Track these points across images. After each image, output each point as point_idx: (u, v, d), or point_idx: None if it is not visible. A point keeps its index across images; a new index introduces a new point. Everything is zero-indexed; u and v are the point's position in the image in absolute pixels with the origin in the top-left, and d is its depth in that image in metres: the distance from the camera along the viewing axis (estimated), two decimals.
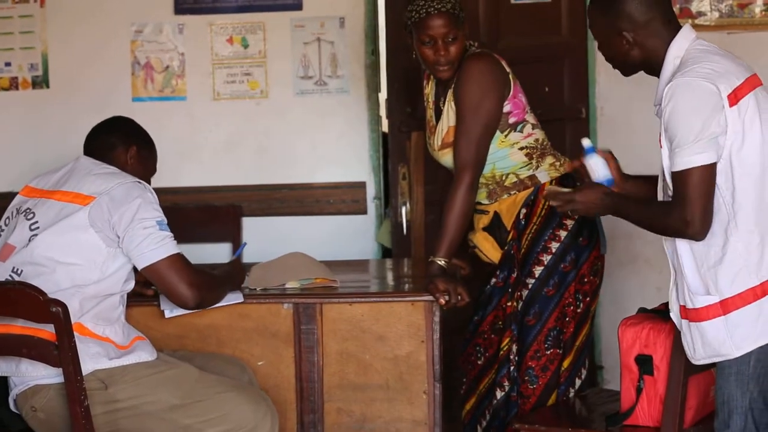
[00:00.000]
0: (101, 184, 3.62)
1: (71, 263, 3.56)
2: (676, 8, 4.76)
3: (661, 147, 3.25)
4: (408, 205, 5.59)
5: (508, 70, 4.02)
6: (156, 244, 3.58)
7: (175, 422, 3.58)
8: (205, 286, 3.69)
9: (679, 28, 3.33)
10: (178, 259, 3.62)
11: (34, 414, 3.58)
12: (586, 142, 3.64)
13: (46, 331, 3.40)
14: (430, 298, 3.85)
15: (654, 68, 3.34)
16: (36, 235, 3.60)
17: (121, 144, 3.82)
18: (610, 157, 3.61)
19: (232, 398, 3.63)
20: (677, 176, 3.19)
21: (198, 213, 5.78)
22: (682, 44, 3.29)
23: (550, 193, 3.65)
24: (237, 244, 5.68)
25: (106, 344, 3.58)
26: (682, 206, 3.16)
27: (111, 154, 3.80)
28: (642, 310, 3.70)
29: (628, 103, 5.26)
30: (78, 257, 3.56)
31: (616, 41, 3.35)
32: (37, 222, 3.62)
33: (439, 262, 3.90)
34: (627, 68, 3.43)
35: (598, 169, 3.59)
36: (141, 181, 3.70)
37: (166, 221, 3.64)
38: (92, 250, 3.57)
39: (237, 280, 3.99)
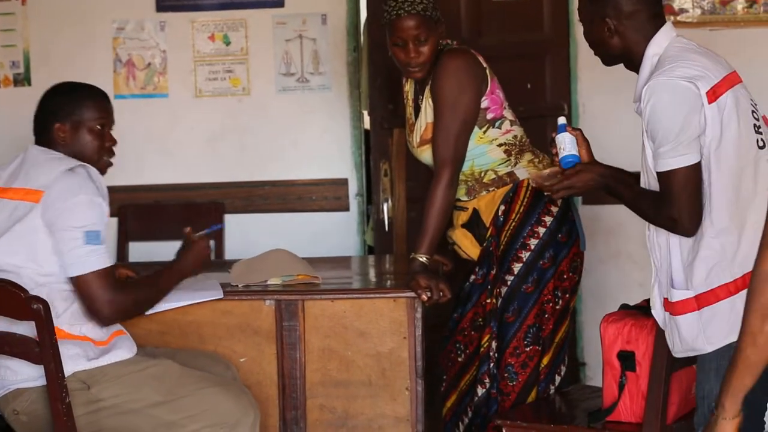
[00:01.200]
0: (47, 174, 3.51)
1: (33, 267, 3.49)
2: None
3: (643, 145, 3.25)
4: (390, 201, 5.59)
5: (485, 65, 4.01)
6: (86, 256, 3.47)
7: (159, 419, 3.56)
8: (123, 307, 3.55)
9: (664, 24, 3.33)
10: (105, 274, 3.50)
11: (17, 417, 3.55)
12: (560, 120, 3.63)
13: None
14: (412, 294, 3.85)
15: (633, 62, 3.34)
16: None
17: (49, 124, 3.66)
18: (580, 137, 3.58)
19: (215, 394, 3.62)
20: (662, 177, 3.19)
21: (180, 210, 5.74)
22: (661, 42, 3.29)
23: (541, 178, 3.64)
24: (220, 241, 5.66)
25: (85, 343, 3.53)
26: (668, 206, 3.16)
27: (47, 137, 3.66)
28: (624, 306, 3.70)
29: (611, 100, 5.27)
30: (39, 260, 3.49)
31: (599, 27, 3.34)
32: None
33: (420, 259, 3.89)
34: (607, 57, 3.42)
35: (565, 146, 3.57)
36: (85, 165, 3.56)
37: (99, 227, 3.51)
38: (51, 251, 3.49)
39: (182, 272, 3.85)
